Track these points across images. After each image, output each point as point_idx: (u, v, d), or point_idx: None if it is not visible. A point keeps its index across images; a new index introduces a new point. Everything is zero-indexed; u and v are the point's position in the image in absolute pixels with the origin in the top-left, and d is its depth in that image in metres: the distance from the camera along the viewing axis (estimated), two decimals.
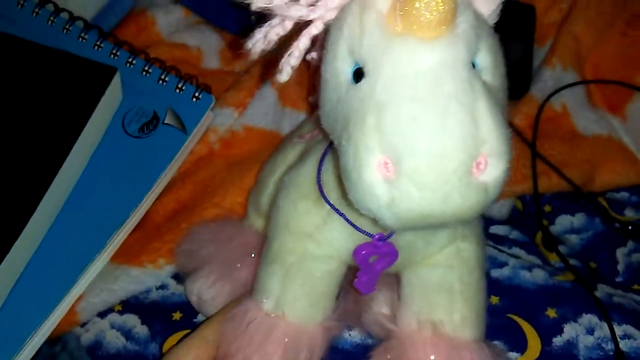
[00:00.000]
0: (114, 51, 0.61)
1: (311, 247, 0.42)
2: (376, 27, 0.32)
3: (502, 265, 0.53)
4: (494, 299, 0.51)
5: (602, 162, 0.61)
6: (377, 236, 0.41)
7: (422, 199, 0.31)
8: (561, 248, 0.56)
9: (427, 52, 0.31)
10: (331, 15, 0.35)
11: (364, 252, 0.41)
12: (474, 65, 0.33)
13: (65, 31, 0.62)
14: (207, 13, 0.71)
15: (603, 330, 0.49)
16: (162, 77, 0.60)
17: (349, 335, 0.50)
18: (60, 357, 0.51)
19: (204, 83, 0.61)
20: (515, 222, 0.59)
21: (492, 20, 0.36)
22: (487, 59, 0.33)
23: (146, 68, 0.61)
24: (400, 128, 0.31)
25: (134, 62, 0.61)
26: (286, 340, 0.42)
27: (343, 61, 0.34)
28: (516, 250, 0.56)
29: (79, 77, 0.57)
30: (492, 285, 0.52)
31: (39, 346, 0.51)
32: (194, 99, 0.59)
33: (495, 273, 0.53)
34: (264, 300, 0.43)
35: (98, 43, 0.62)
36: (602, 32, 0.67)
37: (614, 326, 0.49)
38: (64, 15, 0.63)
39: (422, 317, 0.43)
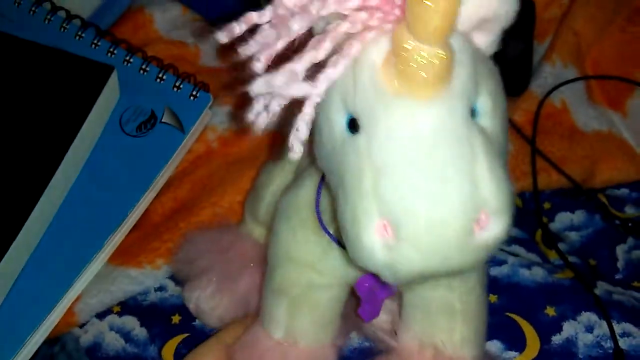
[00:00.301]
0: (111, 49, 0.61)
1: (314, 277, 0.42)
2: (370, 83, 0.31)
3: (500, 263, 0.53)
4: (493, 298, 0.51)
5: (602, 159, 0.61)
6: None
7: (422, 261, 0.30)
8: (561, 245, 0.56)
9: (424, 113, 0.30)
10: (335, 79, 0.32)
11: (366, 284, 0.41)
12: (474, 112, 0.32)
13: (62, 29, 0.62)
14: (204, 10, 0.70)
15: (602, 328, 0.49)
16: (160, 75, 0.60)
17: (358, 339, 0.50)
18: (59, 358, 0.51)
19: (201, 81, 0.61)
20: (515, 219, 0.59)
21: (491, 50, 0.35)
22: (487, 103, 0.32)
23: (143, 66, 0.60)
24: (398, 194, 0.30)
25: (131, 60, 0.61)
26: None
27: (336, 112, 0.33)
28: (516, 248, 0.56)
29: (76, 75, 0.57)
30: (491, 284, 0.52)
31: (37, 346, 0.51)
32: (192, 98, 0.59)
33: (494, 271, 0.53)
34: (274, 330, 0.43)
35: (95, 41, 0.61)
36: (602, 28, 0.66)
37: (614, 324, 0.49)
38: (61, 13, 0.63)
39: (423, 338, 0.42)
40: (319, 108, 0.33)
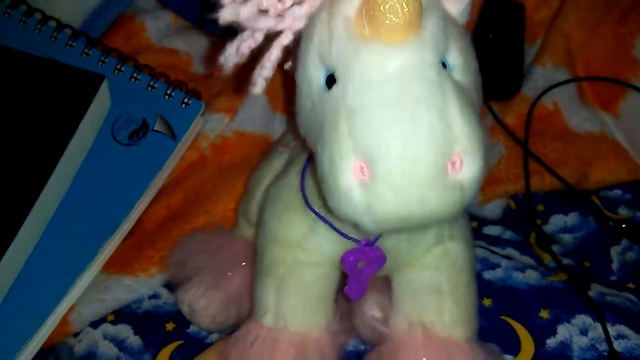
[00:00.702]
0: (102, 58, 0.61)
1: (300, 256, 0.42)
2: (344, 33, 0.32)
3: (494, 266, 0.53)
4: (487, 301, 0.51)
5: (595, 160, 0.61)
6: (363, 242, 0.41)
7: (398, 201, 0.31)
8: (555, 247, 0.56)
9: (395, 56, 0.31)
10: (300, 24, 0.35)
11: (351, 258, 0.41)
12: (445, 66, 0.33)
13: (52, 39, 0.62)
14: (195, 18, 0.70)
15: (597, 330, 0.49)
16: (151, 83, 0.60)
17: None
18: None
19: (193, 89, 0.61)
20: (508, 222, 0.59)
21: (463, 19, 0.36)
22: (458, 58, 0.34)
23: (135, 75, 0.60)
24: (371, 133, 0.31)
25: (122, 68, 0.61)
26: (293, 351, 0.42)
27: (315, 69, 0.35)
28: (510, 251, 0.56)
29: (67, 85, 0.57)
30: (485, 287, 0.52)
31: (31, 357, 0.51)
32: (184, 105, 0.59)
33: (488, 275, 0.53)
34: (263, 314, 0.43)
35: (86, 50, 0.61)
36: (593, 30, 0.66)
37: (608, 326, 0.49)
38: (52, 23, 0.63)
39: (412, 319, 0.43)
40: (299, 68, 0.36)
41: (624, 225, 0.57)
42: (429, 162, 0.30)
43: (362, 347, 0.49)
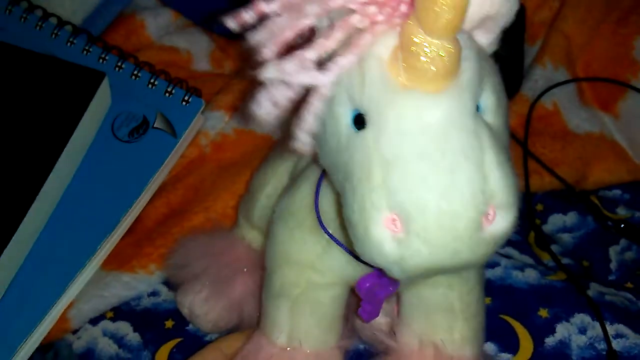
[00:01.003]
0: (103, 55, 0.61)
1: (314, 277, 0.42)
2: (378, 77, 0.31)
3: (493, 265, 0.53)
4: (486, 300, 0.51)
5: (594, 160, 0.61)
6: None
7: (431, 255, 0.30)
8: (554, 247, 0.56)
9: (433, 106, 0.30)
10: (345, 69, 0.32)
11: (367, 284, 0.41)
12: (477, 108, 0.32)
13: (53, 36, 0.62)
14: (196, 15, 0.70)
15: (595, 329, 0.49)
16: (152, 81, 0.60)
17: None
18: None
19: (193, 86, 0.61)
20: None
21: (491, 49, 0.35)
22: (491, 99, 0.32)
23: (135, 72, 0.60)
24: (408, 187, 0.30)
25: (123, 66, 0.61)
26: None
27: (342, 107, 0.33)
28: (509, 250, 0.56)
29: (68, 82, 0.57)
30: (484, 286, 0.52)
31: (30, 353, 0.51)
32: (184, 103, 0.59)
33: (487, 274, 0.53)
34: (277, 335, 0.43)
35: (87, 48, 0.61)
36: (593, 31, 0.67)
37: (607, 325, 0.49)
38: (53, 20, 0.63)
39: (423, 337, 0.42)
40: (324, 104, 0.33)
41: (622, 225, 0.57)
42: (467, 219, 0.29)
43: (361, 346, 0.49)
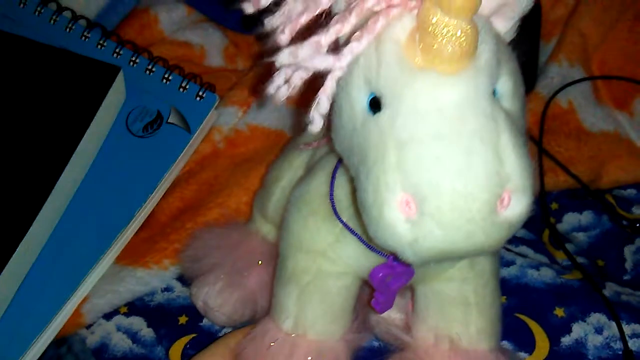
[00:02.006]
0: (117, 50, 0.61)
1: (325, 265, 0.41)
2: (394, 59, 0.31)
3: (509, 264, 0.53)
4: (502, 299, 0.51)
5: (609, 159, 0.61)
6: (391, 257, 0.40)
7: (445, 237, 0.30)
8: (568, 246, 0.56)
9: (450, 87, 0.30)
10: (359, 53, 0.33)
11: (380, 274, 0.40)
12: (494, 93, 0.32)
13: (67, 30, 0.62)
14: (209, 11, 0.70)
15: (612, 329, 0.49)
16: (166, 76, 0.60)
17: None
18: (66, 359, 0.51)
19: (207, 82, 0.61)
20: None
21: (509, 36, 0.35)
22: (508, 84, 0.32)
23: (149, 67, 0.60)
24: (423, 167, 0.30)
25: (137, 60, 0.61)
26: (309, 358, 0.42)
27: (358, 90, 0.33)
28: (523, 249, 0.56)
29: (82, 76, 0.57)
30: (500, 284, 0.52)
31: (44, 348, 0.51)
32: (198, 98, 0.59)
33: (503, 272, 0.52)
34: (283, 320, 0.43)
35: (101, 42, 0.61)
36: (609, 28, 0.66)
37: (623, 325, 0.49)
38: (67, 14, 0.63)
39: (438, 331, 0.42)
40: (340, 88, 0.34)
41: (638, 225, 0.57)
42: (481, 201, 0.29)
43: (376, 343, 0.49)
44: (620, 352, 0.48)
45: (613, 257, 0.56)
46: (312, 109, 0.33)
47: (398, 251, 0.32)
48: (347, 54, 0.32)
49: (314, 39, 0.32)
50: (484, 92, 0.30)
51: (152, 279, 0.54)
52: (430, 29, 0.29)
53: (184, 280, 0.54)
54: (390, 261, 0.40)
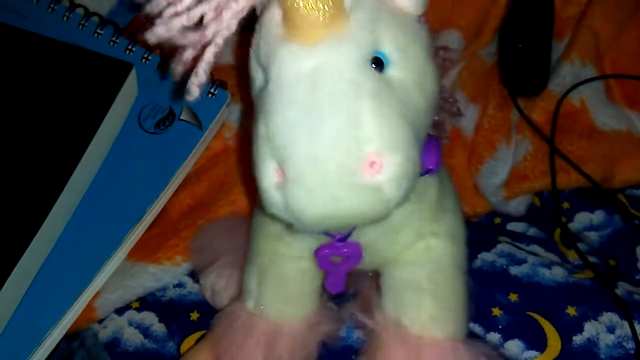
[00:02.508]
0: (130, 47, 0.61)
1: (282, 248, 0.43)
2: (268, 33, 0.33)
3: (520, 262, 0.53)
4: (513, 296, 0.51)
5: (622, 158, 0.60)
6: (337, 237, 0.41)
7: (311, 201, 0.31)
8: (580, 245, 0.56)
9: (307, 55, 0.31)
10: (227, 31, 0.34)
11: (324, 252, 0.41)
12: (382, 62, 0.33)
13: (80, 27, 0.62)
14: None
15: (624, 328, 0.49)
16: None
17: (363, 334, 0.49)
18: (78, 353, 0.51)
19: (219, 79, 0.61)
20: (533, 218, 0.59)
21: (417, 10, 0.35)
22: (394, 53, 0.33)
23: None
24: (282, 134, 0.31)
25: (149, 57, 0.61)
26: (265, 339, 0.43)
27: (255, 70, 0.35)
28: (534, 248, 0.55)
29: (95, 73, 0.57)
30: (511, 282, 0.52)
31: (57, 342, 0.51)
32: (210, 95, 0.59)
33: (514, 270, 0.52)
34: (247, 300, 0.45)
35: (113, 39, 0.62)
36: (621, 27, 0.66)
37: (635, 324, 0.49)
38: (79, 11, 0.63)
39: (392, 316, 0.43)
40: (250, 70, 0.36)
41: None
42: (336, 162, 0.30)
43: (349, 341, 0.49)
44: (633, 352, 0.48)
45: (625, 256, 0.56)
46: (191, 79, 0.34)
47: (281, 218, 0.33)
48: (211, 27, 0.33)
49: (179, 18, 0.33)
50: (347, 59, 0.31)
51: (164, 274, 0.54)
52: (289, 2, 0.30)
53: (196, 276, 0.54)
54: (335, 241, 0.41)
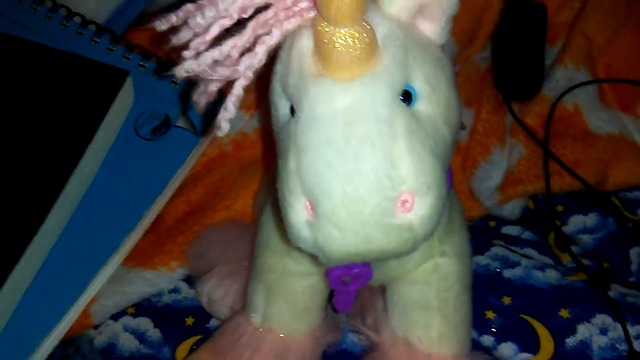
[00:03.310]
0: (126, 54, 0.62)
1: (291, 265, 0.43)
2: (298, 67, 0.32)
3: (514, 265, 0.53)
4: (506, 299, 0.51)
5: (615, 162, 0.61)
6: None
7: (343, 240, 0.31)
8: (574, 248, 0.56)
9: (342, 93, 0.31)
10: (259, 64, 0.34)
11: (336, 272, 0.41)
12: (410, 94, 0.32)
13: (77, 35, 0.63)
14: None
15: (617, 330, 0.49)
16: (174, 79, 0.60)
17: (358, 338, 0.50)
18: (74, 359, 0.51)
19: None
20: (527, 222, 0.59)
21: (441, 39, 0.35)
22: (424, 87, 0.33)
23: None
24: (315, 173, 0.31)
25: (145, 65, 0.61)
26: (274, 353, 0.43)
27: (278, 98, 0.34)
28: (528, 251, 0.56)
29: (92, 80, 0.58)
30: (505, 285, 0.52)
31: (52, 348, 0.51)
32: None
33: (508, 273, 0.53)
34: (253, 315, 0.44)
35: (110, 46, 0.62)
36: (614, 32, 0.66)
37: (628, 327, 0.49)
38: (77, 19, 0.64)
39: (399, 334, 0.43)
40: (270, 95, 0.35)
41: None
42: (373, 204, 0.30)
43: (344, 345, 0.50)
44: (625, 354, 0.48)
45: (618, 259, 0.56)
46: (220, 114, 0.34)
47: (309, 252, 0.33)
48: (243, 65, 0.33)
49: (209, 53, 0.33)
50: (381, 97, 0.31)
51: (160, 280, 0.54)
52: (321, 37, 0.30)
53: (191, 282, 0.54)
54: None
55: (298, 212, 0.32)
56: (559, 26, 0.67)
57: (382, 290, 0.45)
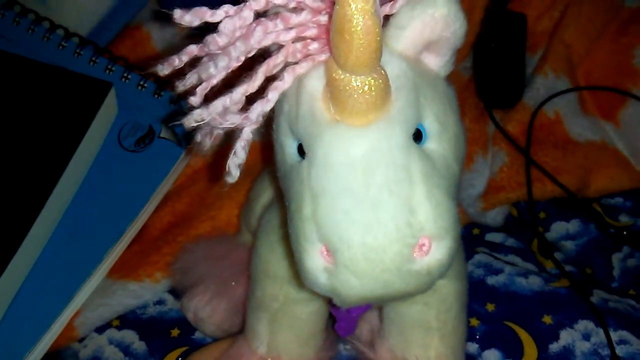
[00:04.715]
0: (109, 66, 0.62)
1: (292, 292, 0.42)
2: (309, 111, 0.32)
3: (497, 272, 0.54)
4: (490, 306, 0.52)
5: (596, 168, 0.61)
6: None
7: (362, 287, 0.31)
8: (557, 254, 0.57)
9: (358, 140, 0.30)
10: (269, 109, 0.33)
11: None
12: (420, 134, 0.32)
13: (61, 47, 0.63)
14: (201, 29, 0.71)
15: (599, 336, 0.50)
16: (158, 91, 0.60)
17: (345, 349, 0.50)
18: None
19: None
20: (510, 229, 0.60)
21: (446, 71, 0.35)
22: (434, 125, 0.33)
23: (141, 82, 0.61)
24: (333, 221, 0.30)
25: (129, 76, 0.61)
26: None
27: (285, 136, 0.34)
28: (512, 258, 0.56)
29: (75, 92, 0.58)
30: (488, 292, 0.52)
31: None
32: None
33: (491, 280, 0.53)
34: (257, 345, 0.44)
35: (93, 59, 0.62)
36: (594, 40, 0.67)
37: (610, 332, 0.49)
38: (60, 31, 0.64)
39: (397, 352, 0.43)
40: (275, 131, 0.35)
41: (625, 233, 0.58)
42: (393, 252, 0.30)
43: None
44: (608, 359, 0.49)
45: (601, 264, 0.57)
46: (229, 159, 0.33)
47: (324, 295, 0.33)
48: (254, 112, 0.32)
49: (221, 100, 0.32)
50: (395, 142, 0.31)
51: (144, 292, 0.54)
52: (336, 84, 0.30)
53: (176, 293, 0.54)
54: None
55: (314, 258, 0.31)
56: (539, 35, 0.68)
57: (378, 306, 0.45)
